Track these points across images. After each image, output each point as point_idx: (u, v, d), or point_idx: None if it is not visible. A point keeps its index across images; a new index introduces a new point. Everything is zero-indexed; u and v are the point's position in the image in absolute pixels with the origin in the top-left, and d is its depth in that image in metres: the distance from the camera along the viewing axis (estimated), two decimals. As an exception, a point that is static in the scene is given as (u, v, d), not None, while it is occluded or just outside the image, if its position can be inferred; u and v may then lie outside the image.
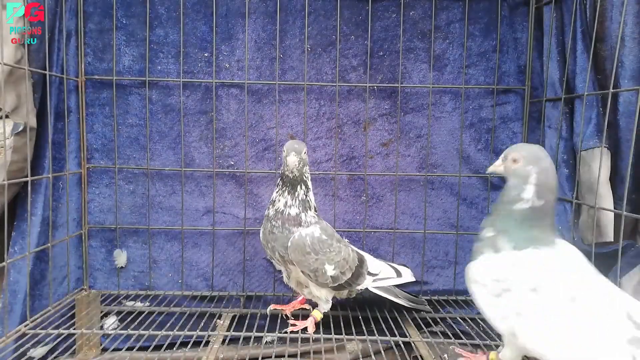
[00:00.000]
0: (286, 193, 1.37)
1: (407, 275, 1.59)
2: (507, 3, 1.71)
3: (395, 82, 1.73)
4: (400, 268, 1.60)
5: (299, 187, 1.37)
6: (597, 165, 1.34)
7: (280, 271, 1.56)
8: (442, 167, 1.78)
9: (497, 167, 1.09)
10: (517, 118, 1.75)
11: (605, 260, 1.35)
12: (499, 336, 1.66)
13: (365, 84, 1.73)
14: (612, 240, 1.37)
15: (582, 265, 1.04)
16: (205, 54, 1.72)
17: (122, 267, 1.76)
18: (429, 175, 1.77)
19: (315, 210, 1.43)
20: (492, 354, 1.20)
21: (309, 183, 1.41)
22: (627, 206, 1.24)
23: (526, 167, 1.01)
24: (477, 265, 1.07)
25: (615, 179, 1.36)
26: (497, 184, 1.78)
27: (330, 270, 1.38)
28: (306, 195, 1.39)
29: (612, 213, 1.34)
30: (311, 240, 1.35)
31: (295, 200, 1.37)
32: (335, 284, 1.41)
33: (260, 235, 1.46)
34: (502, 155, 1.08)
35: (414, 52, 1.74)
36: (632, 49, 1.28)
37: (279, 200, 1.38)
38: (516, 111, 1.76)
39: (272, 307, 1.58)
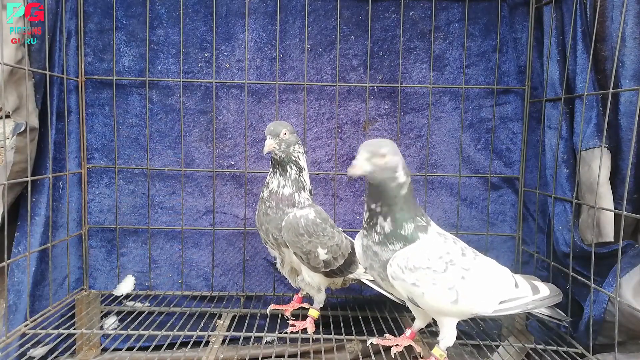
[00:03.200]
0: (277, 174, 1.37)
1: None
2: (507, 3, 1.70)
3: (395, 82, 1.73)
4: None
5: (288, 167, 1.36)
6: (597, 165, 1.34)
7: (280, 272, 1.56)
8: (442, 167, 1.78)
9: (363, 167, 1.09)
10: (517, 118, 1.75)
11: (605, 260, 1.35)
12: (499, 336, 1.67)
13: (365, 84, 1.73)
14: (612, 240, 1.37)
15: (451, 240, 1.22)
16: (206, 54, 1.72)
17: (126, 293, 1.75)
18: (429, 175, 1.77)
19: (311, 193, 1.42)
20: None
21: (302, 163, 1.39)
22: (628, 206, 1.24)
23: (394, 157, 1.10)
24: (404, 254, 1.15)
25: (616, 179, 1.36)
26: (498, 184, 1.78)
27: (322, 254, 1.37)
28: (299, 175, 1.38)
29: (612, 213, 1.34)
30: (305, 222, 1.34)
31: (288, 180, 1.36)
32: (327, 269, 1.40)
33: (255, 217, 1.45)
34: (366, 154, 1.08)
35: (414, 52, 1.74)
36: (632, 49, 1.28)
37: (272, 182, 1.37)
38: (516, 111, 1.75)
39: (272, 307, 1.58)
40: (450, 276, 1.12)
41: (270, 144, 1.32)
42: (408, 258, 1.11)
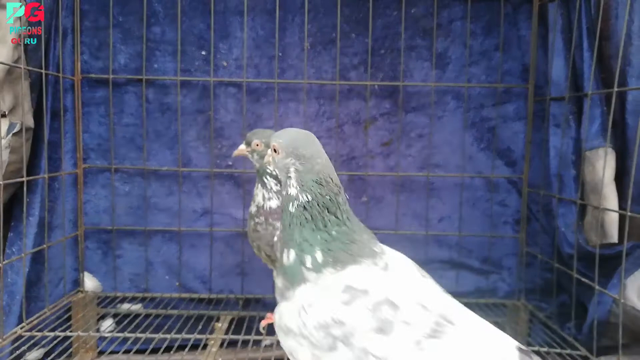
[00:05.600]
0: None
1: None
2: (510, 1, 1.68)
3: (396, 81, 1.71)
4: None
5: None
6: (602, 165, 1.32)
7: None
8: (444, 167, 1.76)
9: (240, 151, 0.94)
10: (520, 117, 1.73)
11: (610, 261, 1.34)
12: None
13: (366, 83, 1.70)
14: (617, 241, 1.36)
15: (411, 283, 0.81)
16: (203, 52, 1.69)
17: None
18: (431, 176, 1.75)
19: None
20: None
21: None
22: (635, 207, 1.22)
23: (286, 159, 0.83)
24: (286, 308, 0.79)
25: (623, 178, 1.34)
26: (501, 184, 1.76)
27: None
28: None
29: (617, 214, 1.33)
30: None
31: (270, 192, 1.31)
32: None
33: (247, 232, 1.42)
34: (245, 141, 0.96)
35: (416, 50, 1.71)
36: (639, 47, 1.26)
37: (257, 195, 1.33)
38: (519, 110, 1.73)
39: (262, 323, 1.48)
40: None
41: (240, 150, 1.31)
42: (281, 312, 0.79)
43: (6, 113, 1.41)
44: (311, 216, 0.81)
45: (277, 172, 0.89)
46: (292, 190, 0.82)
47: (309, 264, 0.79)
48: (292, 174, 0.83)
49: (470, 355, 0.71)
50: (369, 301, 0.73)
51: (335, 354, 0.71)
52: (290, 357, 0.79)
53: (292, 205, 0.82)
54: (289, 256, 0.81)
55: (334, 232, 0.80)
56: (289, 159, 0.83)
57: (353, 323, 0.71)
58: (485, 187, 1.77)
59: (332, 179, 0.83)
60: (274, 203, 1.31)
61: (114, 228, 1.73)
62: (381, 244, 0.90)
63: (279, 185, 1.29)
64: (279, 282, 0.84)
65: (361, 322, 0.71)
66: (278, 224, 1.29)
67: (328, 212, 0.81)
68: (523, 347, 0.76)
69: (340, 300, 0.74)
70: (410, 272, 0.84)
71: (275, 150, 0.86)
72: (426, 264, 1.76)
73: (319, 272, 0.78)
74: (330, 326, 0.72)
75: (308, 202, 0.81)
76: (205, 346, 1.44)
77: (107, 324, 1.68)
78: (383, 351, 0.69)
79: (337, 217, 0.82)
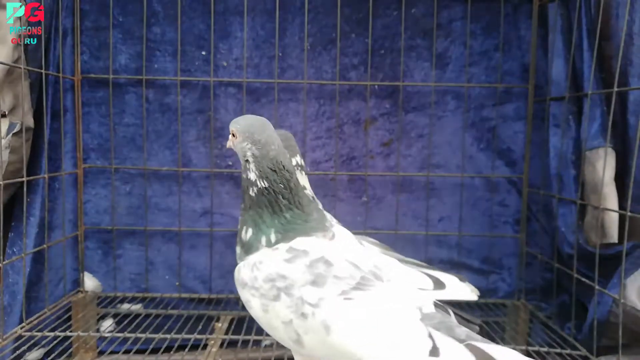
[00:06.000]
0: None
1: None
2: (510, 1, 1.68)
3: (396, 81, 1.71)
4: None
5: None
6: (602, 165, 1.32)
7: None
8: (444, 167, 1.76)
9: (229, 142, 0.97)
10: (521, 117, 1.73)
11: (610, 261, 1.34)
12: (502, 339, 1.65)
13: (366, 83, 1.70)
14: (617, 241, 1.35)
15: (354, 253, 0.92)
16: (203, 52, 1.69)
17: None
18: (431, 176, 1.75)
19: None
20: None
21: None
22: (635, 207, 1.22)
23: (242, 143, 0.91)
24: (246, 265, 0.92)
25: (623, 178, 1.34)
26: (501, 184, 1.76)
27: None
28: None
29: (617, 214, 1.32)
30: None
31: None
32: None
33: None
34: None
35: (416, 50, 1.71)
36: (640, 47, 1.26)
37: None
38: (519, 110, 1.73)
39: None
40: (282, 308, 0.85)
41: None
42: (239, 269, 0.92)
43: (6, 113, 1.41)
44: (269, 201, 0.91)
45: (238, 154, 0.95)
46: (252, 175, 0.92)
47: (263, 242, 0.91)
48: (250, 159, 0.91)
49: (386, 303, 0.85)
50: (307, 259, 0.87)
51: (278, 302, 0.85)
52: (246, 306, 0.92)
53: (252, 190, 0.92)
54: (247, 234, 0.93)
55: (288, 216, 0.91)
56: (245, 143, 0.91)
57: (293, 276, 0.85)
58: (485, 187, 1.76)
59: (284, 166, 0.92)
60: None
61: (114, 228, 1.73)
62: (331, 220, 1.01)
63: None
64: (238, 249, 0.96)
65: (299, 276, 0.85)
66: None
67: (282, 197, 0.91)
68: (440, 303, 0.93)
69: (283, 258, 0.87)
70: (352, 241, 0.96)
71: (233, 135, 0.94)
72: (426, 264, 1.77)
73: (271, 246, 0.90)
74: (275, 279, 0.86)
75: (266, 188, 0.91)
76: (205, 346, 1.44)
77: (107, 324, 1.68)
78: (316, 299, 0.83)
79: (289, 202, 0.91)
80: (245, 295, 0.90)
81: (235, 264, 0.87)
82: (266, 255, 0.89)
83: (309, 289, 0.84)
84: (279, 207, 0.91)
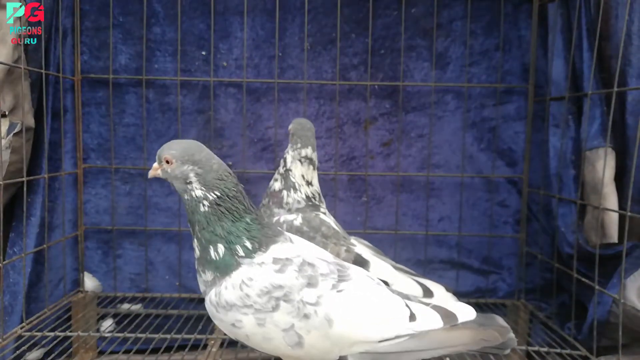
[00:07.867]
0: (277, 169, 1.36)
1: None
2: (510, 1, 1.68)
3: (396, 81, 1.71)
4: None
5: (282, 160, 1.33)
6: (602, 165, 1.32)
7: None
8: (444, 167, 1.76)
9: (155, 170, 0.96)
10: (521, 117, 1.73)
11: (610, 261, 1.34)
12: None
13: (366, 83, 1.70)
14: (617, 241, 1.35)
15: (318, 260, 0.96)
16: (203, 52, 1.70)
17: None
18: (431, 176, 1.75)
19: (310, 199, 1.32)
20: None
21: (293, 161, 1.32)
22: (635, 207, 1.22)
23: (182, 167, 0.91)
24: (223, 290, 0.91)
25: (623, 178, 1.34)
26: (501, 184, 1.76)
27: None
28: (287, 172, 1.31)
29: (617, 214, 1.32)
30: (288, 227, 1.25)
31: (277, 173, 1.32)
32: None
33: None
34: (157, 158, 0.95)
35: (416, 50, 1.71)
36: (639, 47, 1.26)
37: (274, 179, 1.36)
38: (519, 110, 1.73)
39: None
40: (282, 315, 0.88)
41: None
42: (219, 293, 0.90)
43: (6, 113, 1.41)
44: (226, 209, 0.91)
45: (171, 182, 0.94)
46: (199, 192, 0.91)
47: (241, 252, 0.91)
48: (193, 179, 0.91)
49: (367, 286, 0.96)
50: (294, 265, 0.91)
51: (277, 312, 0.88)
52: (228, 331, 0.93)
53: (203, 205, 0.91)
54: (218, 251, 0.90)
55: (248, 220, 0.92)
56: (186, 165, 0.91)
57: (289, 284, 0.89)
58: (486, 187, 1.76)
59: (230, 173, 0.94)
60: (277, 185, 1.33)
61: (114, 228, 1.73)
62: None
63: (284, 167, 1.32)
64: (208, 276, 0.93)
65: (295, 282, 0.90)
66: (275, 210, 1.30)
67: (238, 201, 0.92)
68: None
69: (273, 270, 0.90)
70: (303, 240, 1.03)
71: (167, 162, 0.92)
72: (426, 264, 1.78)
73: (251, 257, 0.91)
74: (271, 291, 0.88)
75: (219, 197, 0.91)
76: (205, 346, 1.44)
77: (107, 324, 1.68)
78: (315, 298, 0.89)
79: (244, 205, 0.93)
80: (232, 317, 0.89)
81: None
82: (253, 271, 0.90)
83: (306, 291, 0.90)
84: (237, 212, 0.91)
